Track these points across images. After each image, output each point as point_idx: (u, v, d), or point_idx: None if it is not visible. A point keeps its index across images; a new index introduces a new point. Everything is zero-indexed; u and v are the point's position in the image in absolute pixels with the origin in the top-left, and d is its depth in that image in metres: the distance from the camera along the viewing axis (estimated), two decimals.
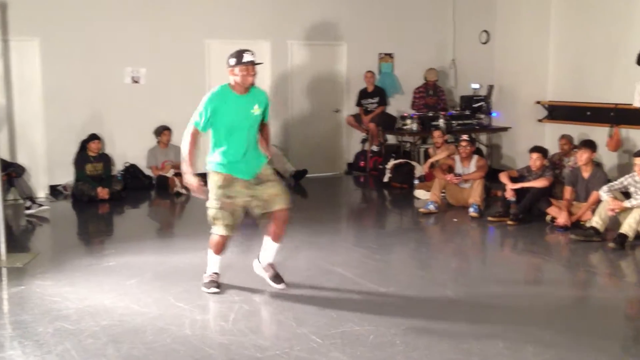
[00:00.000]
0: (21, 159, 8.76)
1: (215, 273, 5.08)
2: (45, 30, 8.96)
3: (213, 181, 4.83)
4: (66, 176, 9.04)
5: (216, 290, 4.96)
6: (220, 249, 4.98)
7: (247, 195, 4.81)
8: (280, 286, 5.04)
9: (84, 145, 8.87)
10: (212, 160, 4.87)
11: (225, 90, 4.83)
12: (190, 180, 4.79)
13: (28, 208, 7.89)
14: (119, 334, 4.18)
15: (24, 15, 8.79)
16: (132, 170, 9.46)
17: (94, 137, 8.88)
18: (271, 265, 5.15)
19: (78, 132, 9.05)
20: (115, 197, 8.65)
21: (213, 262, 5.06)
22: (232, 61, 4.75)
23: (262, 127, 5.00)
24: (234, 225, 4.88)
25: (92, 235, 7.40)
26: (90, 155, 8.82)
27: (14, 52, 8.88)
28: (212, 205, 4.82)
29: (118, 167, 9.46)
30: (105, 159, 8.97)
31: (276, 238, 5.02)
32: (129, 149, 9.55)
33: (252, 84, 4.81)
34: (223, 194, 4.77)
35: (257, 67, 4.82)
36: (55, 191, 9.01)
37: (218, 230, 4.86)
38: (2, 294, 5.05)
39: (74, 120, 9.19)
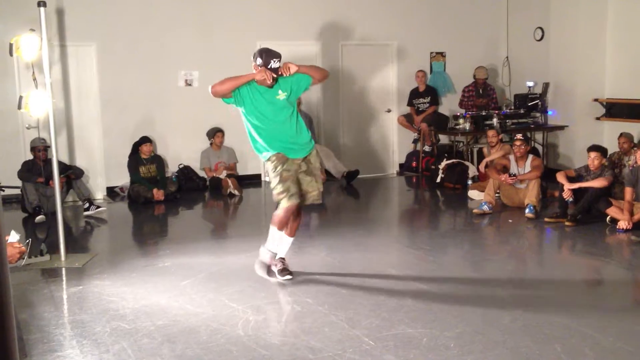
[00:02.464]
0: (79, 162, 9.00)
1: (281, 259, 5.26)
2: (101, 35, 9.17)
3: (269, 164, 5.05)
4: (123, 178, 9.24)
5: (288, 277, 5.17)
6: (283, 222, 5.10)
7: (296, 177, 5.04)
8: (287, 277, 5.18)
9: (136, 148, 9.04)
10: (261, 150, 5.11)
11: (252, 83, 5.05)
12: (248, 76, 5.01)
13: (86, 209, 8.07)
14: (174, 333, 4.23)
15: (80, 21, 9.02)
16: (186, 172, 9.59)
17: (145, 139, 9.03)
18: (282, 260, 5.30)
19: (133, 134, 9.23)
20: (170, 199, 8.79)
21: (274, 239, 5.17)
22: (259, 61, 4.99)
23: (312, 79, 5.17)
24: (298, 194, 5.04)
25: (148, 236, 7.53)
26: (142, 157, 8.97)
27: (72, 57, 9.13)
28: (274, 184, 5.00)
29: (172, 169, 9.61)
30: (158, 161, 9.11)
31: (290, 232, 5.23)
32: (182, 151, 9.69)
33: (269, 87, 5.00)
34: (281, 168, 4.97)
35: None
36: (112, 193, 9.22)
37: (285, 203, 4.98)
38: (61, 293, 5.18)
39: (129, 123, 9.38)
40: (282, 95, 5.02)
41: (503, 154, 8.59)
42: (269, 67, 4.95)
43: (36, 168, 8.02)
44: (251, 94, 5.00)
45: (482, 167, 8.97)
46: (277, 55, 5.03)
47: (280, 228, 5.13)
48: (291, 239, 5.28)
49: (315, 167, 5.16)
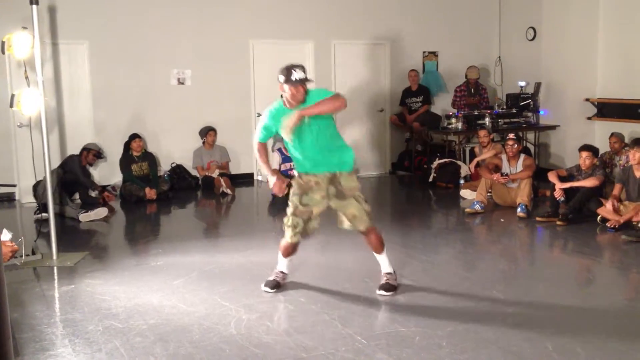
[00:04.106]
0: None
1: (282, 272, 5.10)
2: (93, 33, 9.15)
3: (292, 187, 4.86)
4: (115, 177, 9.22)
5: (269, 290, 4.97)
6: (287, 253, 5.02)
7: (324, 206, 4.81)
8: (388, 294, 4.90)
9: (127, 147, 9.03)
10: (295, 165, 4.94)
11: (279, 108, 4.75)
12: (270, 178, 4.78)
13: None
14: (167, 332, 4.22)
15: (72, 19, 9.00)
16: (178, 171, 9.58)
17: (134, 136, 9.03)
18: (386, 275, 5.04)
19: (125, 133, 9.21)
20: (162, 198, 8.78)
21: (280, 262, 5.11)
22: (282, 78, 4.62)
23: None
24: (305, 232, 4.87)
25: (140, 235, 7.51)
26: (134, 155, 8.96)
27: (64, 55, 9.10)
28: (288, 212, 4.85)
29: (165, 167, 9.59)
30: (150, 158, 9.09)
31: (376, 250, 5.02)
32: (175, 149, 9.68)
33: (302, 102, 4.66)
34: (298, 200, 4.78)
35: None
36: (104, 191, 9.19)
37: (288, 237, 4.89)
38: (53, 292, 5.16)
39: (121, 121, 9.36)
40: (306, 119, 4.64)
41: (494, 153, 8.63)
42: (291, 79, 4.57)
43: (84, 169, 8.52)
44: (277, 125, 4.66)
45: (472, 166, 9.02)
46: (299, 66, 4.65)
47: (286, 256, 5.06)
48: (382, 255, 5.02)
49: (349, 187, 4.76)
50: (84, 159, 8.56)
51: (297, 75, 4.58)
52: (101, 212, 7.82)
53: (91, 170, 8.98)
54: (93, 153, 8.65)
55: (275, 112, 4.75)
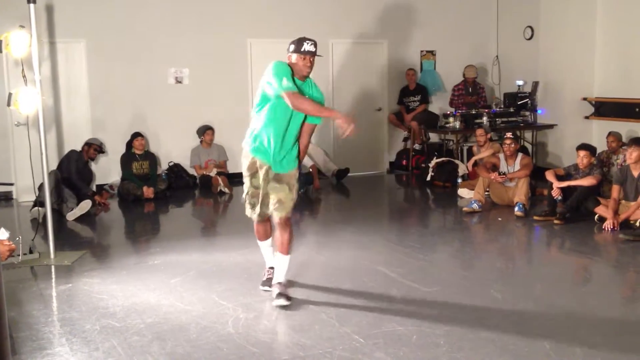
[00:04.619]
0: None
1: (271, 268, 4.97)
2: (91, 32, 9.14)
3: (243, 164, 4.69)
4: (112, 176, 9.22)
5: (268, 288, 4.89)
6: (260, 235, 4.90)
7: (265, 189, 4.65)
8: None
9: (129, 145, 9.03)
10: (247, 139, 4.68)
11: (289, 69, 4.52)
12: (336, 113, 4.61)
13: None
14: (164, 331, 4.22)
15: (70, 17, 8.98)
16: (176, 170, 9.58)
17: (137, 134, 9.04)
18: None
19: (123, 132, 9.21)
20: (160, 196, 8.78)
21: (265, 256, 5.02)
22: (292, 47, 4.55)
23: (305, 127, 4.72)
24: (263, 214, 4.72)
25: (138, 234, 7.51)
26: (136, 153, 8.96)
27: (61, 54, 9.09)
28: (244, 187, 4.74)
29: (162, 166, 9.59)
30: (151, 158, 9.10)
31: (283, 249, 4.74)
32: (173, 148, 9.68)
33: (308, 76, 4.62)
34: (249, 181, 4.68)
35: (315, 59, 4.59)
36: (102, 190, 9.17)
37: (248, 213, 4.79)
38: (50, 291, 5.15)
39: (119, 120, 9.36)
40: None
41: (492, 152, 8.65)
42: (301, 50, 4.48)
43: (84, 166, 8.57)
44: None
45: (470, 164, 9.03)
46: (311, 40, 4.54)
47: (260, 238, 4.94)
48: (285, 257, 4.76)
49: (289, 175, 4.63)
50: (85, 154, 8.56)
51: (307, 47, 4.52)
52: (84, 205, 7.77)
53: (92, 166, 8.96)
54: (94, 147, 8.63)
55: (288, 68, 4.51)
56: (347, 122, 4.40)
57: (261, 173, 4.62)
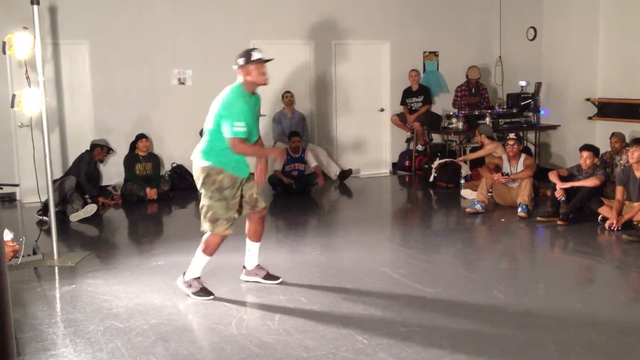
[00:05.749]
0: (71, 161, 8.94)
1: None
2: (94, 33, 9.15)
3: (218, 180, 4.63)
4: (116, 177, 9.23)
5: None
6: (215, 249, 4.87)
7: (239, 194, 4.81)
8: (277, 281, 5.13)
9: (133, 146, 9.04)
10: (219, 158, 4.65)
11: (243, 92, 4.66)
12: (272, 151, 4.83)
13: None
14: (168, 332, 4.23)
15: (73, 19, 9.00)
16: (179, 171, 9.58)
17: (141, 136, 9.05)
18: (260, 267, 5.19)
19: (127, 133, 9.22)
20: (163, 198, 8.79)
21: (200, 265, 4.86)
22: (242, 61, 4.60)
23: None
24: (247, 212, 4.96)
25: (141, 235, 7.52)
26: (139, 155, 8.97)
27: (64, 55, 9.11)
28: (217, 206, 4.66)
29: (165, 167, 9.60)
30: (154, 159, 9.11)
31: (258, 237, 5.10)
32: (176, 149, 9.67)
33: (265, 84, 4.70)
34: (230, 194, 4.70)
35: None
36: (105, 192, 9.19)
37: (222, 230, 4.70)
38: (54, 292, 5.17)
39: (122, 122, 9.37)
40: (259, 110, 4.86)
41: (487, 153, 8.76)
42: (253, 59, 4.57)
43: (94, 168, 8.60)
44: (251, 110, 4.69)
45: (462, 159, 9.39)
46: (257, 48, 4.71)
47: (211, 254, 4.84)
48: (259, 244, 5.13)
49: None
50: (96, 155, 8.57)
51: (258, 54, 4.60)
52: (89, 209, 7.81)
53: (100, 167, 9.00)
54: (106, 150, 8.68)
55: (242, 94, 4.63)
56: (280, 155, 5.01)
57: (238, 183, 4.76)
